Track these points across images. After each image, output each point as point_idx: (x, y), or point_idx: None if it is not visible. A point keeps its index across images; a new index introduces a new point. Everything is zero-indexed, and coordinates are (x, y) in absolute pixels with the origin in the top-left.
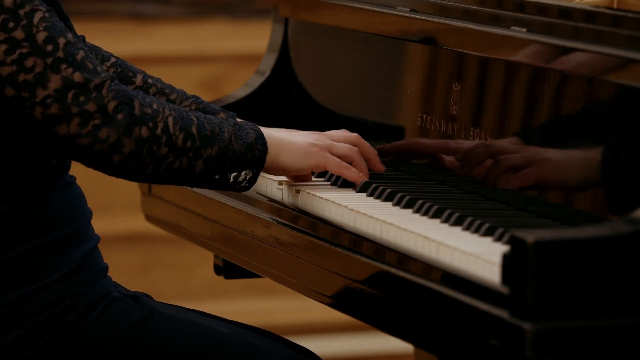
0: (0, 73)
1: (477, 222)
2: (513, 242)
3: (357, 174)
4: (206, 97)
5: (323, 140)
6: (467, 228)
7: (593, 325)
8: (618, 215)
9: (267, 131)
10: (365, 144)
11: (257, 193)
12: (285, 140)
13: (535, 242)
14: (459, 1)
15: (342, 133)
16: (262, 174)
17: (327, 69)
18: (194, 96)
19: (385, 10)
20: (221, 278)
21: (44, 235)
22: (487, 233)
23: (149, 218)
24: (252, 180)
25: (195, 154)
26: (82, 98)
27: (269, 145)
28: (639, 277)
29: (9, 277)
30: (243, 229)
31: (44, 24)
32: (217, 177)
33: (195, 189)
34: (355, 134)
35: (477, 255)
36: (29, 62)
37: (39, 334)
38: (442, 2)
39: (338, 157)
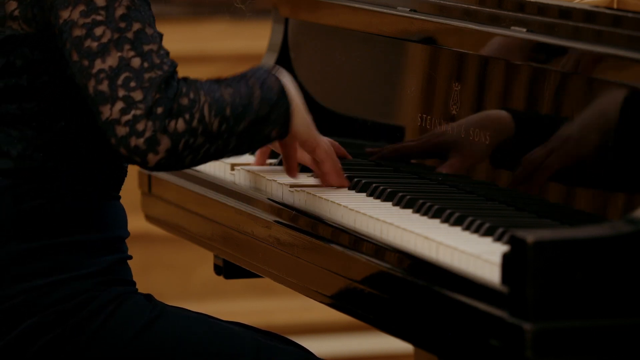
0: (71, 34)
1: (477, 222)
2: (513, 242)
3: (333, 168)
4: None
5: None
6: (467, 228)
7: (593, 325)
8: (618, 215)
9: (287, 86)
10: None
11: (257, 193)
12: (299, 105)
13: (535, 242)
14: (459, 1)
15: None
16: (263, 175)
17: (327, 69)
18: None
19: (385, 10)
20: (221, 278)
21: (80, 234)
22: (487, 233)
23: (149, 218)
24: (284, 133)
25: (229, 134)
26: (132, 84)
27: (289, 97)
28: (639, 277)
29: (36, 266)
30: (243, 229)
31: (127, 3)
32: (248, 144)
33: (196, 189)
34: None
35: (477, 255)
36: (98, 30)
37: (54, 324)
38: (442, 2)
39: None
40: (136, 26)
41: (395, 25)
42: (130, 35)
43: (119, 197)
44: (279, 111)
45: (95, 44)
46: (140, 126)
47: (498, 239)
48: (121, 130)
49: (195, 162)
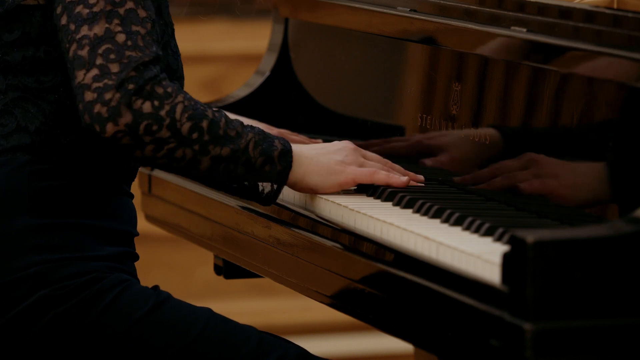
0: None
1: (477, 222)
2: (513, 242)
3: (387, 176)
4: (206, 97)
5: (352, 156)
6: (467, 228)
7: (593, 325)
8: (617, 215)
9: (298, 149)
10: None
11: None
12: (313, 160)
13: (535, 242)
14: (459, 1)
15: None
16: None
17: (327, 69)
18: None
19: (385, 10)
20: (221, 278)
21: (91, 218)
22: (487, 233)
23: (149, 218)
24: (274, 195)
25: (202, 149)
26: (112, 56)
27: (294, 163)
28: (639, 277)
29: (48, 241)
30: (243, 229)
31: None
32: (226, 180)
33: (196, 189)
34: (385, 160)
35: (477, 255)
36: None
37: (64, 299)
38: (442, 2)
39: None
40: (129, 4)
41: (395, 25)
42: (122, 11)
43: (132, 196)
44: (274, 168)
45: (86, 11)
46: (108, 95)
47: (498, 239)
48: (89, 96)
49: (158, 158)
